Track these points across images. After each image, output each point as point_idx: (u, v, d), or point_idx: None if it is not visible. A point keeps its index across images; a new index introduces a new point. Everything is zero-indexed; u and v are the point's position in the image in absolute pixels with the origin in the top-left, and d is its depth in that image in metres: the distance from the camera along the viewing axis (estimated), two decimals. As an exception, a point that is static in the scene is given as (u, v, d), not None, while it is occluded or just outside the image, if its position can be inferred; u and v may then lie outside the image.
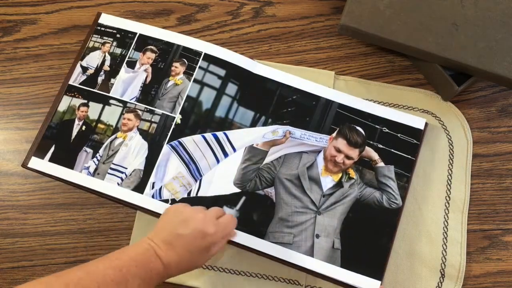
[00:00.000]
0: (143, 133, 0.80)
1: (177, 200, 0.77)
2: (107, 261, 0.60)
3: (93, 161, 0.78)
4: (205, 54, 0.82)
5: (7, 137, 0.85)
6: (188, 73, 0.81)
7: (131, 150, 0.79)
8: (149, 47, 0.83)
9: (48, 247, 0.81)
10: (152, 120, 0.80)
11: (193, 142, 0.79)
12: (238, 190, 0.78)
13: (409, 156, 0.80)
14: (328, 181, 0.78)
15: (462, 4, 0.77)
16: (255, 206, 0.77)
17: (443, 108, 0.85)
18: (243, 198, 0.77)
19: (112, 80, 0.82)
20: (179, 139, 0.79)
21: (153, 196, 0.77)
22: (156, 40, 0.84)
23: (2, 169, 0.84)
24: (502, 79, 0.76)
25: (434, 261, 0.79)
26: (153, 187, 0.77)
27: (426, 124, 0.82)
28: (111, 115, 0.80)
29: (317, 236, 0.76)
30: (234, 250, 0.78)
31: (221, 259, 0.80)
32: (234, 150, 0.79)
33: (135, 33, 0.84)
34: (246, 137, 0.80)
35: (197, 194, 0.77)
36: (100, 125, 0.80)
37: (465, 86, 0.80)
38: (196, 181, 0.78)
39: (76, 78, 0.82)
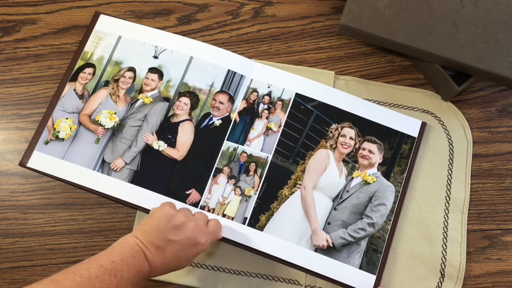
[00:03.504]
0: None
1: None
2: (99, 265, 0.60)
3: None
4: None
5: (7, 137, 0.85)
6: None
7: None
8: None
9: (48, 247, 0.81)
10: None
11: None
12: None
13: (408, 155, 0.80)
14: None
15: (462, 4, 0.77)
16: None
17: (443, 108, 0.85)
18: None
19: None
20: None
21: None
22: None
23: (2, 169, 0.84)
24: (502, 79, 0.76)
25: (434, 261, 0.79)
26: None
27: (424, 124, 0.82)
28: None
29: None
30: (234, 250, 0.78)
31: (221, 259, 0.80)
32: None
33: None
34: None
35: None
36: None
37: (465, 86, 0.80)
38: None
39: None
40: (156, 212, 0.67)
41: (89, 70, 0.83)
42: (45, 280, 0.57)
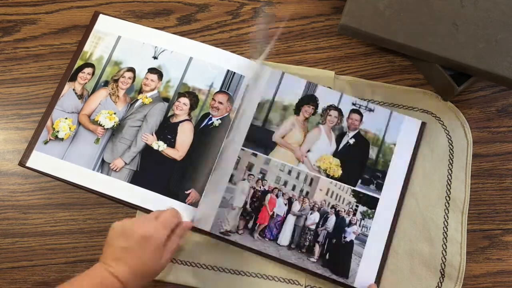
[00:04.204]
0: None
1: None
2: None
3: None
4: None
5: (7, 137, 0.85)
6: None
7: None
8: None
9: (48, 247, 0.81)
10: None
11: None
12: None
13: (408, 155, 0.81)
14: None
15: (462, 4, 0.77)
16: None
17: (443, 108, 0.85)
18: None
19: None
20: None
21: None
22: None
23: (2, 169, 0.84)
24: (502, 79, 0.76)
25: (434, 261, 0.79)
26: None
27: (424, 124, 0.82)
28: None
29: None
30: (234, 250, 0.78)
31: (222, 259, 0.80)
32: None
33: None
34: None
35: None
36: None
37: (465, 86, 0.80)
38: None
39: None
40: (109, 231, 0.69)
41: (88, 70, 0.83)
42: None
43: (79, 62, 0.84)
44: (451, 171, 0.83)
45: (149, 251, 0.66)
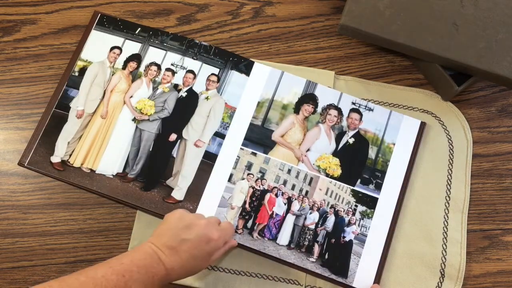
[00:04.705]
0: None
1: None
2: (108, 267, 0.61)
3: None
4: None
5: (7, 137, 0.85)
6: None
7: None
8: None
9: (48, 247, 0.81)
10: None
11: None
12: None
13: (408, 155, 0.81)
14: None
15: (462, 4, 0.77)
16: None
17: (443, 108, 0.85)
18: None
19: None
20: None
21: None
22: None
23: (2, 169, 0.84)
24: (502, 79, 0.76)
25: (434, 261, 0.79)
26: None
27: (424, 123, 0.82)
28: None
29: None
30: (233, 250, 0.78)
31: (221, 259, 0.80)
32: None
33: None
34: None
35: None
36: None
37: (465, 86, 0.80)
38: None
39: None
40: (169, 216, 0.69)
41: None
42: (50, 281, 0.58)
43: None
44: (451, 171, 0.83)
45: (204, 252, 0.67)
